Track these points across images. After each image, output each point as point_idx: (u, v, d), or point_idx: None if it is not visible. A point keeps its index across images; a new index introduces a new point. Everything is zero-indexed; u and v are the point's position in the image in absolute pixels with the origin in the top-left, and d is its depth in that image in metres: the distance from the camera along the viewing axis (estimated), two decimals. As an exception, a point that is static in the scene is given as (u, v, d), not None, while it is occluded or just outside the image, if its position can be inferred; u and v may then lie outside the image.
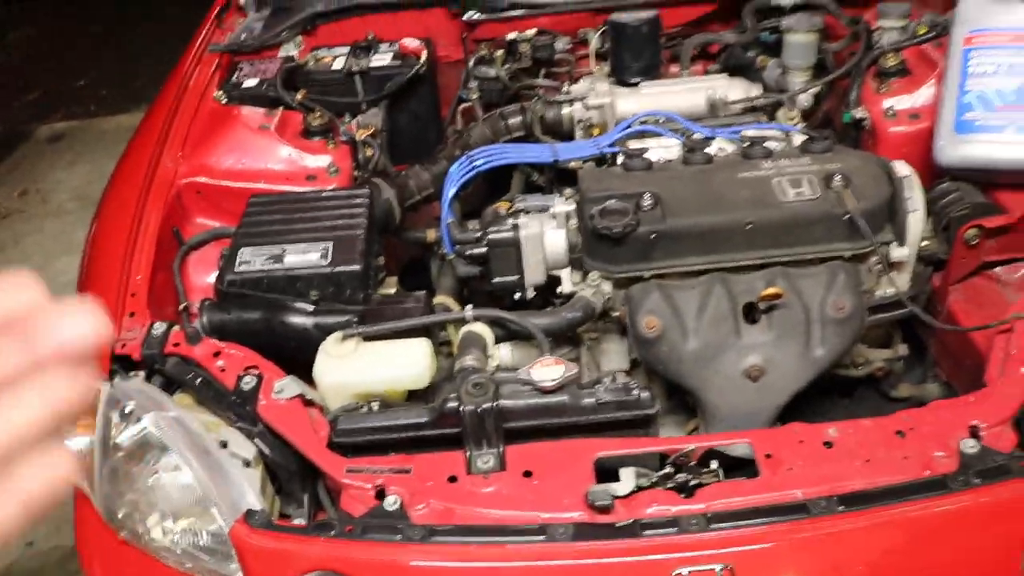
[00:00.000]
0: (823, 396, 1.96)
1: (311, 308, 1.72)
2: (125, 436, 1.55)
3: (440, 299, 1.87)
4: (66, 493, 0.53)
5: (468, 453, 1.45)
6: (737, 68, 2.31)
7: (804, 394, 1.73)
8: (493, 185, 2.18)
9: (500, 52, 2.30)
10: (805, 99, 2.15)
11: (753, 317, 1.69)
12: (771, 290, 1.65)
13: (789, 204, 1.67)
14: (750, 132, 1.85)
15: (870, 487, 1.32)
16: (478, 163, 1.87)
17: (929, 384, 1.97)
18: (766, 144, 1.79)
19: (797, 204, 1.67)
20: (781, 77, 2.21)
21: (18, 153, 4.95)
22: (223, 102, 2.17)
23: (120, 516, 1.55)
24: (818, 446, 1.40)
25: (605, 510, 1.33)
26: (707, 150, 1.82)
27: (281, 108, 2.14)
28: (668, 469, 1.39)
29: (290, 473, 1.56)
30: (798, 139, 1.85)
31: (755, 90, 2.09)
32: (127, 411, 1.56)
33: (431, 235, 2.06)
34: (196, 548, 1.50)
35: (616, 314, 1.78)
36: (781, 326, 1.68)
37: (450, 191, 1.85)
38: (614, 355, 1.89)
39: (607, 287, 1.75)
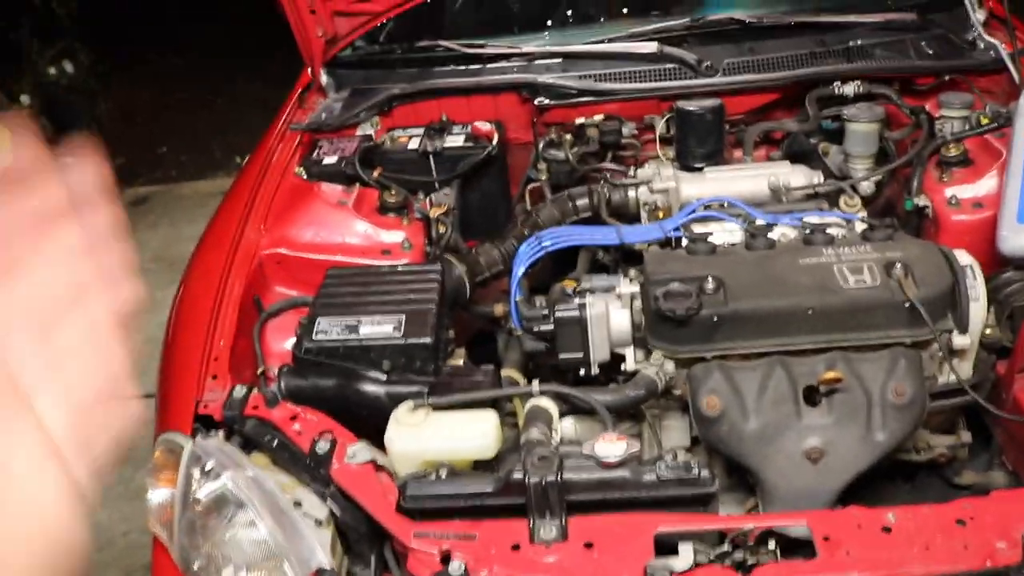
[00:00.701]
0: (885, 481, 1.96)
1: (384, 377, 1.80)
2: (204, 491, 1.63)
3: (507, 372, 1.93)
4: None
5: (532, 522, 1.50)
6: (799, 155, 2.37)
7: (865, 478, 1.74)
8: (560, 262, 2.25)
9: (568, 136, 2.40)
10: (867, 186, 2.19)
11: (813, 400, 1.72)
12: (831, 374, 1.68)
13: (850, 291, 1.71)
14: (812, 219, 1.90)
15: (929, 574, 1.34)
16: (547, 244, 1.95)
17: (994, 472, 1.97)
18: (827, 231, 1.84)
19: (858, 291, 1.71)
20: (843, 164, 2.26)
21: (103, 216, 5.19)
22: (304, 178, 2.29)
23: (195, 567, 1.62)
24: (876, 530, 1.42)
25: (664, 585, 1.36)
26: (769, 236, 1.87)
27: (358, 185, 2.25)
28: (726, 547, 1.42)
29: (359, 534, 1.62)
30: (860, 227, 1.90)
31: (816, 177, 2.14)
32: (207, 468, 1.65)
33: (499, 310, 2.13)
34: (269, 606, 1.57)
35: (678, 392, 1.83)
36: (841, 409, 1.70)
37: (519, 269, 1.93)
38: (675, 432, 1.93)
39: (670, 366, 1.80)
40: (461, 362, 2.00)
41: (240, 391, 1.77)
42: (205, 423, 1.76)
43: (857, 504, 1.83)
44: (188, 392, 1.82)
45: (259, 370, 1.95)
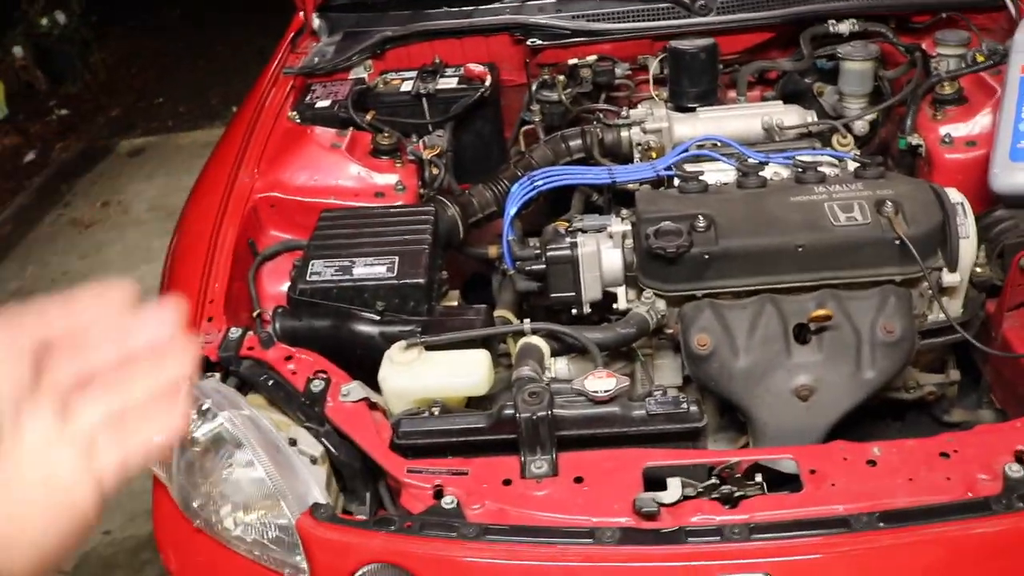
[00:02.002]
0: (874, 418, 1.98)
1: (377, 317, 1.81)
2: (201, 432, 1.65)
3: (500, 312, 1.95)
4: (175, 442, 0.62)
5: (523, 458, 1.52)
6: (794, 95, 2.36)
7: (855, 415, 1.76)
8: (554, 205, 2.26)
9: (562, 77, 2.38)
10: (860, 126, 2.18)
11: (804, 338, 1.73)
12: (821, 311, 1.69)
13: (840, 228, 1.71)
14: (804, 157, 1.89)
15: (912, 505, 1.36)
16: (539, 183, 1.95)
17: (983, 410, 1.99)
18: (819, 169, 1.84)
19: (848, 228, 1.71)
20: (838, 104, 2.25)
21: (100, 167, 5.19)
22: (297, 122, 2.28)
23: (195, 506, 1.65)
24: (862, 464, 1.44)
25: (651, 517, 1.39)
26: (761, 174, 1.87)
27: (351, 128, 2.25)
28: (713, 480, 1.44)
29: (354, 471, 1.64)
30: (851, 165, 1.89)
31: (810, 117, 2.13)
32: (204, 408, 1.67)
33: (493, 251, 2.14)
34: (265, 538, 1.60)
35: (669, 331, 1.84)
36: (831, 347, 1.72)
37: (512, 210, 1.93)
38: (667, 371, 1.95)
39: (661, 305, 1.81)
40: (455, 303, 2.02)
41: (235, 332, 1.79)
42: (202, 365, 1.77)
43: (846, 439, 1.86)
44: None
45: (255, 312, 1.97)
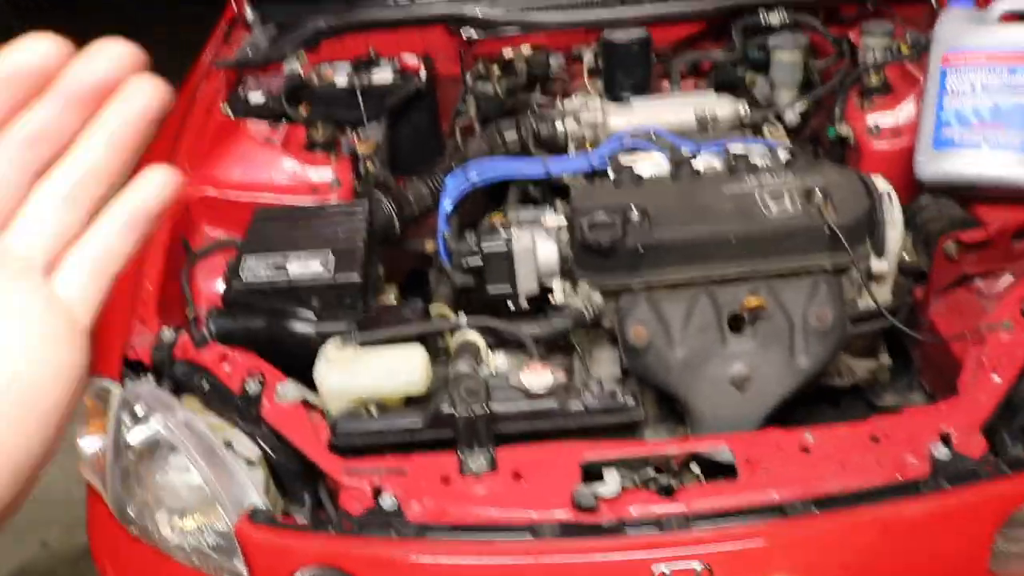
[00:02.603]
0: (810, 405, 2.02)
1: (313, 316, 1.79)
2: (135, 436, 1.62)
3: (437, 308, 1.94)
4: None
5: (461, 455, 1.52)
6: (727, 85, 2.38)
7: (791, 403, 1.79)
8: (492, 198, 2.25)
9: (496, 68, 2.37)
10: (792, 116, 2.22)
11: (738, 327, 1.76)
12: (754, 300, 1.71)
13: (771, 218, 1.74)
14: (735, 148, 1.92)
15: (844, 490, 1.39)
16: (473, 176, 1.94)
17: (914, 393, 2.03)
18: (751, 160, 1.86)
19: (779, 218, 1.73)
20: (770, 94, 2.28)
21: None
22: (230, 116, 2.24)
23: (131, 513, 1.62)
24: (795, 450, 1.47)
25: (590, 510, 1.40)
26: (694, 165, 1.88)
27: (286, 122, 2.21)
28: (650, 471, 1.45)
29: (292, 473, 1.62)
30: (783, 155, 1.92)
31: (742, 107, 2.16)
32: (137, 412, 1.64)
33: (430, 246, 2.12)
34: (203, 545, 1.57)
35: (607, 324, 1.85)
36: (765, 335, 1.74)
37: (446, 203, 1.93)
38: (606, 363, 1.95)
39: (597, 297, 1.82)
40: (392, 299, 2.01)
41: (168, 334, 1.75)
42: (134, 368, 1.74)
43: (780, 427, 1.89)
44: (116, 337, 1.79)
45: (189, 313, 1.93)
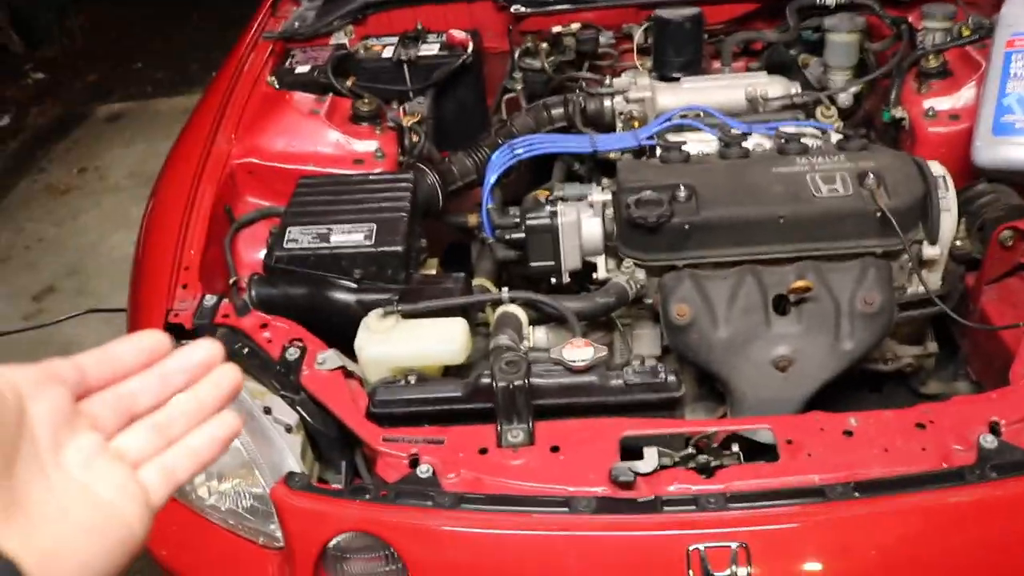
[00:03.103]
0: (853, 389, 1.99)
1: (354, 285, 1.79)
2: (178, 399, 1.64)
3: (479, 281, 1.93)
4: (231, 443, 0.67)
5: (499, 427, 1.51)
6: (780, 66, 2.34)
7: (833, 387, 1.77)
8: (536, 174, 2.23)
9: (545, 45, 2.35)
10: (845, 98, 2.17)
11: (783, 309, 1.73)
12: (801, 283, 1.69)
13: (822, 200, 1.70)
14: (786, 128, 1.88)
15: (887, 475, 1.36)
16: (519, 151, 1.93)
17: (959, 382, 1.99)
18: (802, 141, 1.82)
19: (829, 200, 1.70)
20: (823, 76, 2.23)
21: (78, 132, 5.11)
22: (276, 87, 2.25)
23: (168, 475, 1.63)
24: (838, 434, 1.44)
25: (627, 486, 1.38)
26: (744, 145, 1.85)
27: (331, 94, 2.21)
28: (690, 450, 1.43)
29: (329, 440, 1.63)
30: (835, 137, 1.88)
31: (794, 88, 2.12)
32: (178, 376, 1.65)
33: (472, 220, 2.12)
34: (239, 507, 1.58)
35: (649, 301, 1.83)
36: (810, 319, 1.72)
37: (491, 178, 1.91)
38: (647, 340, 1.94)
39: (640, 275, 1.80)
40: (434, 271, 2.00)
41: (210, 300, 1.76)
42: (176, 332, 1.75)
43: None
44: (159, 302, 1.81)
45: (231, 280, 1.94)
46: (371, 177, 2.02)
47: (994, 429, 1.40)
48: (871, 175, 1.70)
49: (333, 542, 1.46)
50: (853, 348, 1.71)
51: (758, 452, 1.48)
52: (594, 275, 1.85)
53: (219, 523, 1.60)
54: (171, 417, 0.63)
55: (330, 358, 1.65)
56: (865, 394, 2.02)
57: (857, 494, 1.33)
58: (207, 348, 0.67)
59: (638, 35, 2.32)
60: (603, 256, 1.85)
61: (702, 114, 1.98)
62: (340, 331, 1.74)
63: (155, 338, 0.66)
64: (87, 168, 4.72)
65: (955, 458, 1.37)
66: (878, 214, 1.68)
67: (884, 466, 1.38)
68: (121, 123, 5.11)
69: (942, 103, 2.03)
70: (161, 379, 0.64)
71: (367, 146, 2.12)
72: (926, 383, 2.00)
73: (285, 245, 1.83)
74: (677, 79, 2.20)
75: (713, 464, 1.42)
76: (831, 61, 2.21)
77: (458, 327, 1.66)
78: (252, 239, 2.04)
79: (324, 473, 1.68)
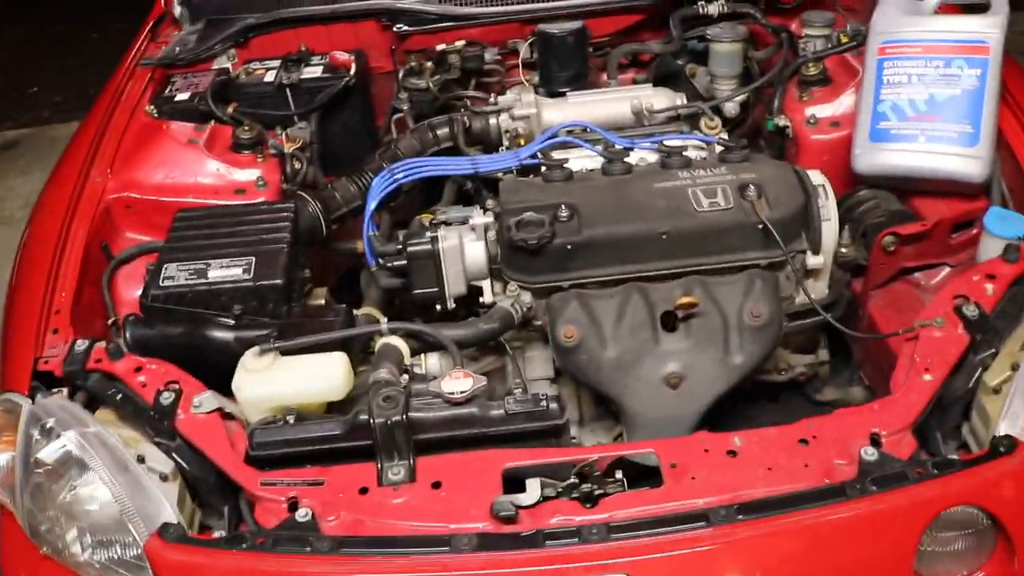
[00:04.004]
0: (750, 401, 1.99)
1: (232, 322, 1.73)
2: (46, 452, 1.55)
3: (365, 310, 1.88)
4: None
5: (379, 465, 1.47)
6: (668, 77, 2.34)
7: (729, 400, 1.76)
8: (428, 194, 2.19)
9: (429, 63, 2.31)
10: (731, 107, 2.17)
11: (671, 325, 1.72)
12: (686, 299, 1.68)
13: (704, 214, 1.69)
14: (670, 142, 1.87)
15: (770, 495, 1.35)
16: (399, 176, 1.89)
17: (854, 388, 2.01)
18: (684, 154, 1.81)
19: (711, 214, 1.69)
20: (710, 85, 2.23)
21: (-28, 163, 4.92)
22: (154, 116, 2.17)
23: (42, 531, 1.55)
24: (722, 455, 1.42)
25: (509, 520, 1.35)
26: (627, 160, 1.84)
27: (212, 122, 2.14)
28: (573, 479, 1.40)
29: (209, 486, 1.56)
30: (718, 149, 1.88)
31: (679, 99, 2.12)
32: (48, 428, 1.57)
33: (360, 246, 2.06)
34: (114, 563, 1.51)
35: (539, 323, 1.81)
36: (699, 334, 1.70)
37: (372, 204, 1.87)
38: (539, 362, 1.91)
39: (527, 297, 1.77)
40: (322, 301, 1.95)
41: (81, 345, 1.69)
42: (47, 380, 1.67)
43: (720, 427, 1.85)
44: (27, 348, 1.72)
45: (109, 320, 1.87)
46: (250, 208, 1.96)
47: (875, 441, 1.40)
48: (752, 187, 1.70)
49: (212, 595, 1.41)
50: (743, 362, 1.71)
51: (645, 476, 1.46)
52: (480, 299, 1.82)
53: (95, 580, 1.53)
54: None
55: (206, 400, 1.59)
56: (762, 405, 2.02)
57: (740, 516, 1.31)
58: None
59: (524, 50, 2.30)
60: (488, 280, 1.81)
61: (586, 130, 1.96)
62: (220, 371, 1.68)
63: None
64: (-15, 199, 4.54)
65: (837, 473, 1.37)
66: (760, 226, 1.67)
67: (768, 485, 1.36)
68: (16, 151, 4.92)
69: (823, 110, 2.05)
70: None
71: (248, 175, 2.06)
72: (821, 391, 2.01)
73: (161, 283, 1.76)
74: (563, 94, 2.18)
75: (597, 493, 1.39)
76: (716, 70, 2.21)
77: (337, 362, 1.61)
78: (133, 277, 1.97)
79: (208, 519, 1.61)
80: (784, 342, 1.88)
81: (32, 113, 5.23)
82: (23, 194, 4.43)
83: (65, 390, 1.66)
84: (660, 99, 2.10)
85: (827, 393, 2.00)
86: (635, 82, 2.37)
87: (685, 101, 2.11)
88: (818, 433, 1.44)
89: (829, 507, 1.32)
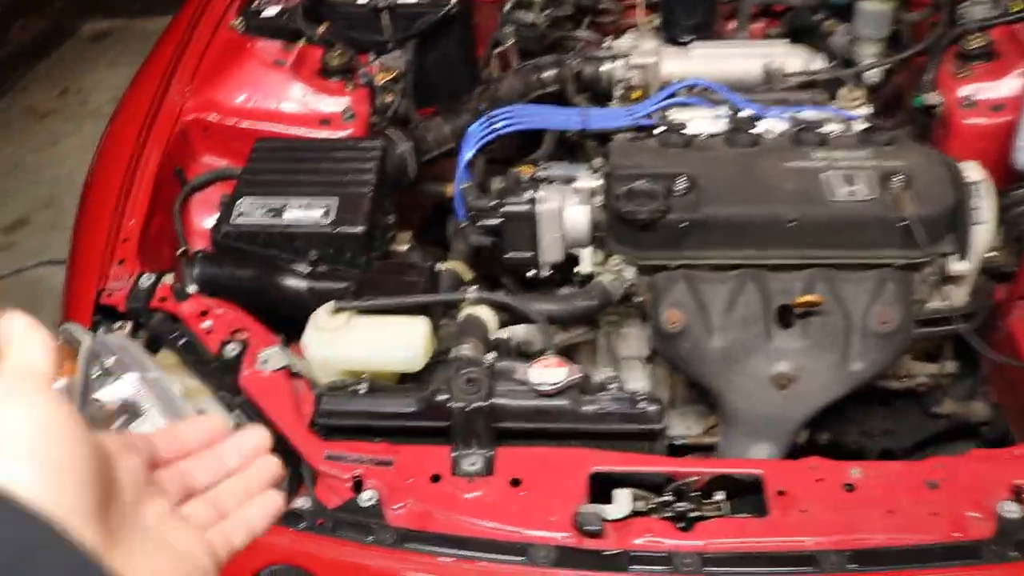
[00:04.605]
0: (859, 403, 1.81)
1: (307, 271, 1.60)
2: (103, 393, 1.46)
3: (451, 265, 1.73)
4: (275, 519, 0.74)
5: (455, 452, 1.34)
6: (802, 31, 2.09)
7: (836, 403, 1.59)
8: (527, 136, 2.01)
9: (540, -6, 2.10)
10: (876, 74, 1.93)
11: (787, 321, 1.55)
12: (809, 297, 1.50)
13: (839, 203, 1.50)
14: (805, 115, 1.66)
15: (890, 544, 1.18)
16: (498, 125, 1.71)
17: (976, 403, 1.81)
18: (820, 130, 1.61)
19: (848, 204, 1.50)
20: (849, 46, 1.99)
21: (60, 51, 4.85)
22: (240, 31, 2.02)
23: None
24: (838, 487, 1.26)
25: (594, 535, 1.22)
26: (755, 130, 1.64)
27: (302, 42, 1.98)
28: (668, 496, 1.26)
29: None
30: (861, 128, 1.66)
31: (818, 61, 1.88)
32: (107, 367, 1.48)
33: (450, 190, 1.90)
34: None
35: (639, 299, 1.64)
36: (817, 334, 1.53)
37: (466, 154, 1.71)
38: (633, 340, 1.76)
39: (630, 273, 1.61)
40: (406, 247, 1.81)
41: (147, 280, 1.59)
42: (108, 315, 1.58)
43: (818, 427, 1.69)
44: (91, 278, 1.63)
45: (179, 251, 1.76)
46: (335, 144, 1.81)
47: (1018, 495, 1.22)
48: (898, 177, 1.50)
49: (265, 572, 1.31)
50: (863, 369, 1.53)
51: (743, 491, 1.31)
52: (577, 268, 1.66)
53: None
54: (224, 496, 0.73)
55: (273, 356, 1.48)
56: (871, 408, 1.84)
57: (854, 566, 1.15)
58: (258, 437, 0.77)
59: (646, -13, 2.07)
60: (589, 248, 1.65)
61: (708, 89, 1.75)
62: (292, 320, 1.56)
63: (217, 424, 0.78)
64: (68, 90, 4.49)
65: (970, 528, 1.19)
66: (902, 222, 1.47)
67: (888, 532, 1.20)
68: (106, 43, 4.84)
69: (984, 90, 1.78)
70: (217, 460, 0.74)
71: (336, 105, 1.90)
72: (940, 402, 1.81)
73: (234, 219, 1.64)
74: (686, 43, 1.96)
75: (692, 514, 1.25)
76: (860, 31, 1.95)
77: (417, 331, 1.47)
78: (206, 204, 1.85)
79: (267, 483, 1.51)
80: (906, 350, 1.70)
81: (122, 4, 5.14)
82: (111, 86, 4.36)
83: (128, 326, 1.57)
84: (795, 59, 1.87)
85: (946, 405, 1.81)
86: (767, 36, 2.13)
87: (824, 63, 1.88)
88: (949, 476, 1.26)
89: (961, 569, 1.16)
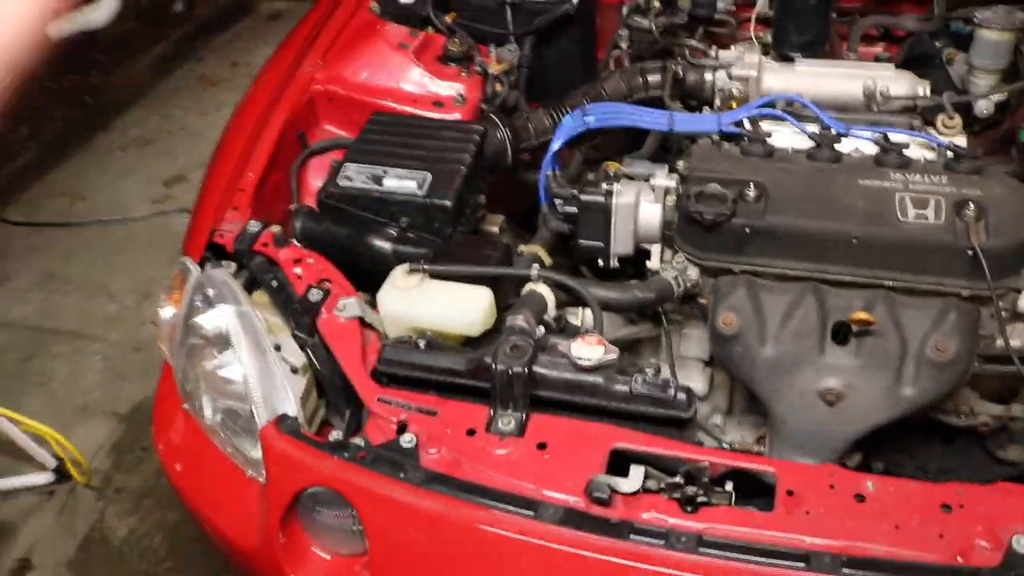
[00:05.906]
0: (920, 435, 1.79)
1: (395, 234, 1.74)
2: (203, 319, 1.65)
3: (532, 248, 1.83)
4: None
5: (492, 411, 1.44)
6: (921, 58, 2.07)
7: (894, 430, 1.59)
8: (635, 136, 2.08)
9: (657, 2, 2.16)
10: (985, 105, 1.89)
11: (842, 338, 1.56)
12: (863, 315, 1.51)
13: (907, 225, 1.51)
14: (894, 136, 1.66)
15: (887, 557, 1.20)
16: (589, 119, 1.79)
17: (1046, 453, 1.76)
18: (904, 152, 1.61)
19: (915, 226, 1.50)
20: (966, 76, 1.96)
21: (239, 26, 5.24)
22: (376, 14, 2.18)
23: (187, 389, 1.66)
24: (849, 496, 1.28)
25: (601, 503, 1.29)
26: (839, 148, 1.65)
27: (428, 28, 2.13)
28: (679, 478, 1.31)
29: (335, 388, 1.60)
30: (945, 154, 1.65)
31: (922, 88, 1.87)
32: (209, 297, 1.65)
33: (545, 179, 2.00)
34: (235, 436, 1.59)
35: (703, 301, 1.69)
36: (871, 354, 1.54)
37: (556, 144, 1.79)
38: (695, 341, 1.81)
39: (693, 273, 1.66)
40: (496, 229, 1.92)
41: (254, 227, 1.75)
42: (219, 253, 1.75)
43: (875, 455, 1.69)
44: (208, 219, 1.81)
45: (292, 207, 1.93)
46: (441, 123, 1.94)
47: (1033, 530, 1.21)
48: (971, 205, 1.49)
49: (308, 491, 1.45)
50: (913, 396, 1.53)
51: (760, 493, 1.35)
52: (647, 263, 1.72)
53: (220, 446, 1.62)
54: None
55: (350, 306, 1.61)
56: (932, 444, 1.81)
57: (846, 571, 1.17)
58: None
59: (760, 3, 2.10)
60: (659, 245, 1.71)
61: (801, 105, 1.77)
62: (373, 278, 1.70)
63: None
64: (239, 62, 4.85)
65: (974, 555, 1.19)
66: (970, 252, 1.46)
67: (888, 544, 1.21)
68: (280, 22, 5.19)
69: (1097, 133, 1.74)
70: None
71: (449, 89, 2.03)
72: (1005, 447, 1.77)
73: (339, 182, 1.79)
74: (793, 59, 1.98)
75: (699, 499, 1.29)
76: (976, 60, 1.91)
77: (480, 298, 1.58)
78: (321, 168, 2.01)
79: (331, 416, 1.66)
80: (973, 384, 1.67)
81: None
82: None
83: (233, 265, 1.74)
84: (900, 84, 1.87)
85: (1011, 451, 1.76)
86: (877, 59, 2.12)
87: (928, 91, 1.86)
88: (967, 502, 1.26)
89: (955, 592, 1.16)
